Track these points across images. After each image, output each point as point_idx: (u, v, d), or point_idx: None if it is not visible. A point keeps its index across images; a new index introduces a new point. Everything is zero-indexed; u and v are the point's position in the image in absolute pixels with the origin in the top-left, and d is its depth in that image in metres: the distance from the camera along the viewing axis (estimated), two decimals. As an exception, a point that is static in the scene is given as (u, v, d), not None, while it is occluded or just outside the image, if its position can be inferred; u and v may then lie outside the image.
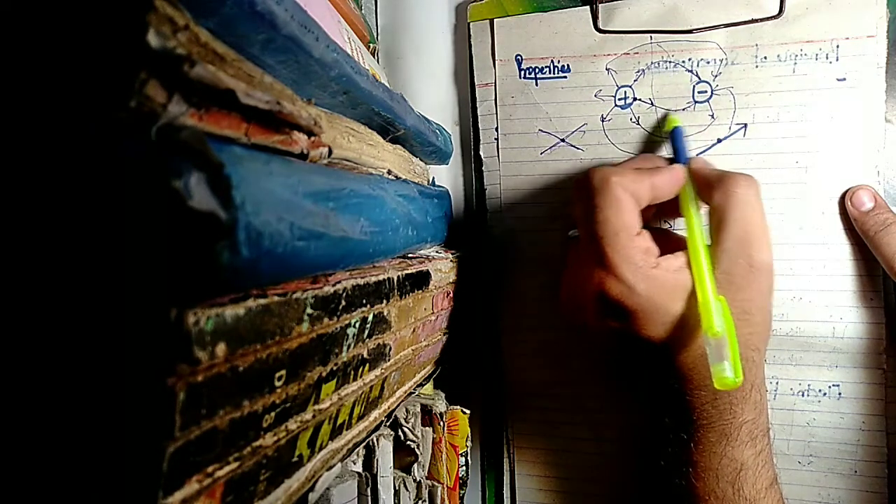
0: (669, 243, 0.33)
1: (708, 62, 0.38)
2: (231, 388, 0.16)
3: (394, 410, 0.32)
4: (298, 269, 0.18)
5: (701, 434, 0.31)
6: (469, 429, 0.40)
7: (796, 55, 0.37)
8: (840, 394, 0.38)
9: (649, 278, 0.30)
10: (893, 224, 0.35)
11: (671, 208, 0.35)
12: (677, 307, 0.30)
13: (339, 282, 0.21)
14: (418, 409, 0.36)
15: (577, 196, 0.33)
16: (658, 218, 0.38)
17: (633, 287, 0.30)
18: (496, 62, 0.42)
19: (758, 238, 0.31)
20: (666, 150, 0.39)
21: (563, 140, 0.41)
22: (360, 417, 0.26)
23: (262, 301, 0.17)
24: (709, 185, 0.33)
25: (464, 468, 0.39)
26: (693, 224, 0.32)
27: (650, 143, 0.40)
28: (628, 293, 0.30)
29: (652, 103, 0.40)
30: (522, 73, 0.42)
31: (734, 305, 0.30)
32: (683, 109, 0.39)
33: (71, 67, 0.14)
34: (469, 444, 0.40)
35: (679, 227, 0.39)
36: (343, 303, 0.21)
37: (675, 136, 0.37)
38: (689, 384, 0.31)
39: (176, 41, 0.13)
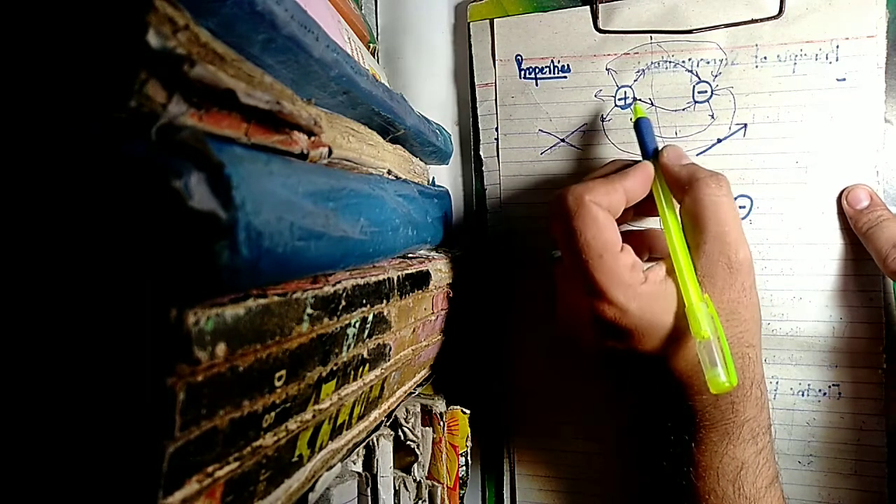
0: (650, 241, 0.33)
1: (708, 62, 0.38)
2: (231, 388, 0.16)
3: (394, 410, 0.32)
4: (298, 269, 0.18)
5: (703, 434, 0.31)
6: (469, 429, 0.40)
7: (796, 55, 0.37)
8: (840, 394, 0.38)
9: (640, 296, 0.30)
10: (886, 220, 0.35)
11: (649, 208, 0.35)
12: (669, 319, 0.30)
13: (339, 282, 0.21)
14: (418, 409, 0.36)
15: (553, 219, 0.32)
16: (637, 218, 0.38)
17: (625, 308, 0.30)
18: (496, 62, 0.42)
19: (734, 237, 0.31)
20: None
21: (563, 140, 0.41)
22: (360, 417, 0.26)
23: (262, 301, 0.17)
24: (679, 186, 0.32)
25: (464, 468, 0.39)
26: (670, 227, 0.32)
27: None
28: (622, 315, 0.30)
29: (652, 103, 0.40)
30: (522, 73, 0.42)
31: (720, 307, 0.30)
32: (683, 109, 0.39)
33: (71, 67, 0.14)
34: (469, 444, 0.40)
35: (654, 223, 0.39)
36: (343, 303, 0.21)
37: (640, 128, 0.36)
38: (689, 390, 0.31)
39: (176, 41, 0.13)
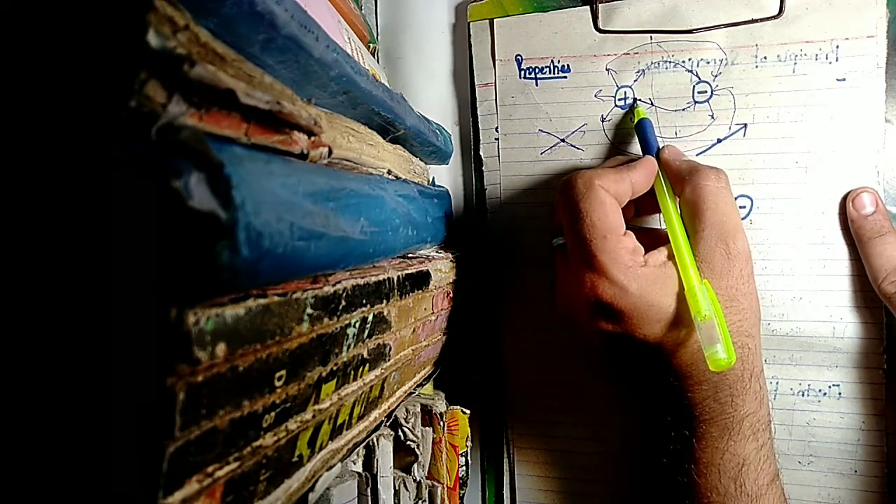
0: (652, 240, 0.33)
1: (708, 62, 0.38)
2: (231, 388, 0.16)
3: (394, 410, 0.32)
4: (298, 269, 0.18)
5: (703, 429, 0.31)
6: (469, 429, 0.40)
7: (796, 55, 0.37)
8: (840, 394, 0.38)
9: (640, 277, 0.30)
10: (889, 234, 0.35)
11: (649, 206, 0.36)
12: (670, 303, 0.30)
13: (339, 282, 0.21)
14: (418, 409, 0.36)
15: (561, 202, 0.33)
16: (638, 216, 0.39)
17: (625, 287, 0.30)
18: (496, 62, 0.42)
19: (732, 227, 0.32)
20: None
21: (563, 140, 0.41)
22: (360, 417, 0.26)
23: (262, 301, 0.17)
24: (679, 179, 0.34)
25: (464, 468, 0.39)
26: (670, 213, 0.33)
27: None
28: (621, 294, 0.30)
29: (652, 103, 0.40)
30: (522, 73, 0.42)
31: (719, 292, 0.30)
32: (683, 109, 0.39)
33: (71, 67, 0.14)
34: (469, 444, 0.40)
35: (655, 223, 0.40)
36: (343, 303, 0.21)
37: (643, 128, 0.38)
38: (688, 380, 0.31)
39: (176, 41, 0.13)
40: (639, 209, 0.38)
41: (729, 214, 0.32)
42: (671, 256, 0.32)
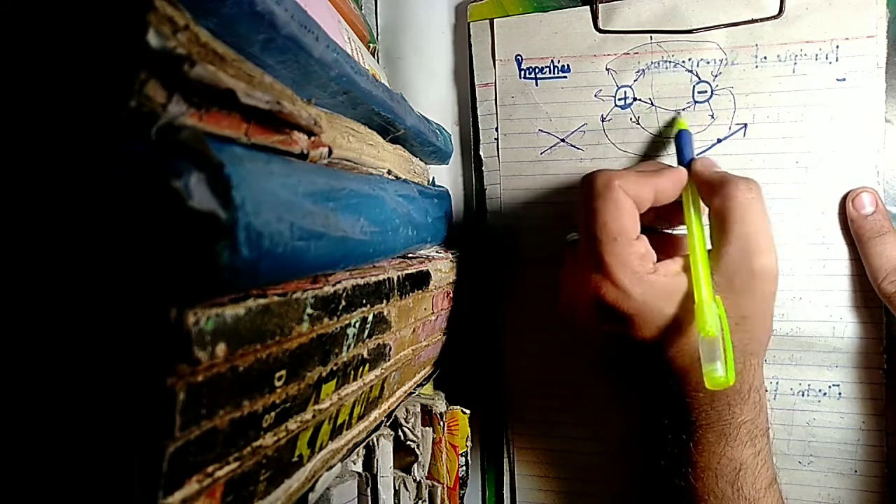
0: (669, 247, 0.33)
1: (708, 62, 0.38)
2: (231, 388, 0.16)
3: (394, 410, 0.32)
4: (298, 269, 0.18)
5: (700, 434, 0.31)
6: (469, 429, 0.40)
7: (796, 55, 0.37)
8: (840, 394, 0.38)
9: (645, 283, 0.30)
10: (889, 234, 0.34)
11: (672, 212, 0.35)
12: (672, 311, 0.30)
13: (339, 282, 0.21)
14: (418, 409, 0.36)
15: (581, 196, 0.32)
16: (659, 221, 0.38)
17: (628, 292, 0.30)
18: (496, 62, 0.42)
19: (760, 243, 0.30)
20: (667, 152, 0.39)
21: (563, 140, 0.41)
22: (360, 417, 0.26)
23: (262, 301, 0.17)
24: (710, 189, 0.32)
25: (464, 468, 0.39)
26: (693, 226, 0.32)
27: (651, 144, 0.40)
28: (624, 298, 0.30)
29: (652, 103, 0.40)
30: (522, 73, 0.42)
31: (732, 310, 0.30)
32: (683, 109, 0.39)
33: (71, 67, 0.14)
34: (469, 444, 0.40)
35: (679, 230, 0.39)
36: (343, 303, 0.21)
37: (680, 139, 0.37)
38: (686, 386, 0.31)
39: (176, 41, 0.13)
40: (663, 217, 0.36)
41: (758, 229, 0.30)
42: (687, 268, 0.31)
